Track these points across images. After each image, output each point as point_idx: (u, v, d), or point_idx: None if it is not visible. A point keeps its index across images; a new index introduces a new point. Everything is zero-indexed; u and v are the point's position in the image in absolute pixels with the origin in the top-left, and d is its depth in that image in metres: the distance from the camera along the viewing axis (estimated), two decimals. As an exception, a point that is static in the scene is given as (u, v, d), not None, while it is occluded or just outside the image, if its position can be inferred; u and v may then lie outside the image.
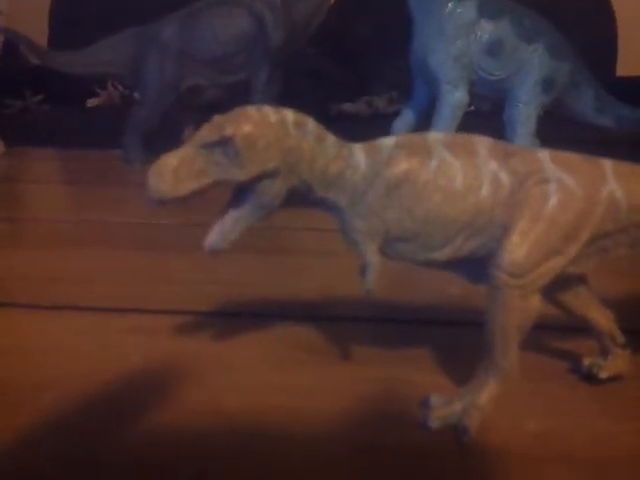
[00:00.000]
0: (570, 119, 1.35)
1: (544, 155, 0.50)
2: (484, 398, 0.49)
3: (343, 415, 0.52)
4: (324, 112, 1.77)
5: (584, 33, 1.60)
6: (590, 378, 0.55)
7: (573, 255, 0.49)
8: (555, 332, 0.62)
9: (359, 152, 0.51)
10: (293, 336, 0.65)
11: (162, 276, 0.81)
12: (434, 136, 0.51)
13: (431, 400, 0.51)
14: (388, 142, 0.51)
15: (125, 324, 0.67)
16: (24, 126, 1.90)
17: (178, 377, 0.57)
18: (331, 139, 0.51)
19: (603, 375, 0.55)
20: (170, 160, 0.47)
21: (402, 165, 0.50)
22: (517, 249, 0.47)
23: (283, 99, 1.33)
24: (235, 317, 0.69)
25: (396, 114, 1.34)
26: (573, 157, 0.51)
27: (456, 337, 0.64)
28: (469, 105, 1.25)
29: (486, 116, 1.35)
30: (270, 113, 0.49)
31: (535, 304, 0.48)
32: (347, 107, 1.97)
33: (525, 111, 1.23)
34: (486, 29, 1.20)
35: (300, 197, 0.51)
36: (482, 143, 0.51)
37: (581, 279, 0.54)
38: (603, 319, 0.55)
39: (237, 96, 1.47)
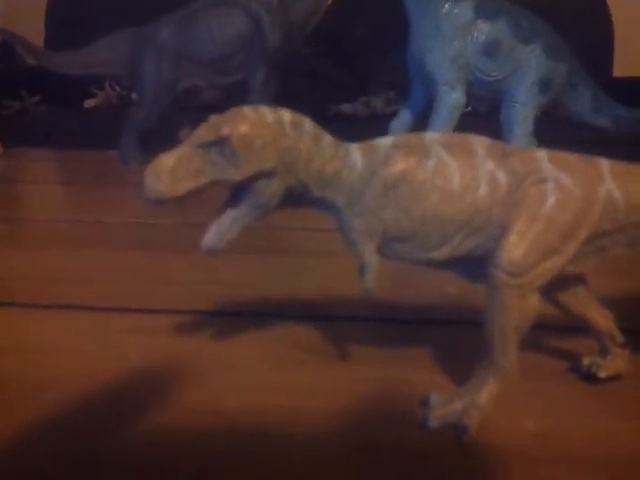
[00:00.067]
0: (567, 119, 1.35)
1: (541, 155, 0.50)
2: (483, 397, 0.49)
3: (343, 414, 0.52)
4: (321, 113, 1.78)
5: (581, 34, 1.60)
6: (589, 377, 0.56)
7: (571, 255, 0.49)
8: (554, 331, 0.62)
9: (356, 152, 0.51)
10: (293, 336, 0.65)
11: (161, 276, 0.81)
12: (431, 136, 0.51)
13: (430, 399, 0.51)
14: (385, 142, 0.51)
15: (125, 324, 0.67)
16: (21, 127, 1.91)
17: (178, 377, 0.57)
18: (328, 139, 0.51)
19: (602, 374, 0.55)
20: (167, 160, 0.47)
21: (399, 165, 0.50)
22: (515, 249, 0.47)
23: (280, 100, 1.33)
24: (235, 317, 0.69)
25: (393, 114, 1.34)
26: (570, 157, 0.51)
27: (455, 336, 0.64)
28: (466, 106, 1.26)
29: (483, 117, 1.36)
30: (267, 113, 0.49)
31: (534, 304, 0.48)
32: (344, 108, 1.97)
33: (522, 111, 1.24)
34: (483, 30, 1.21)
35: (297, 197, 0.51)
36: (479, 143, 0.51)
37: (580, 278, 0.54)
38: (602, 318, 0.55)
39: (234, 97, 1.47)
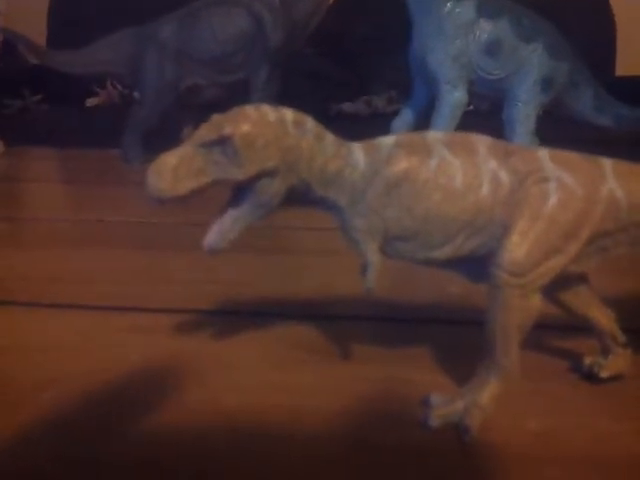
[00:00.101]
0: (569, 118, 1.35)
1: (544, 154, 0.50)
2: (485, 397, 0.49)
3: (343, 414, 0.52)
4: (323, 112, 1.77)
5: (583, 33, 1.60)
6: (591, 377, 0.55)
7: (573, 254, 0.48)
8: (556, 331, 0.62)
9: (358, 151, 0.51)
10: (293, 335, 0.64)
11: (162, 275, 0.81)
12: (433, 135, 0.51)
13: (432, 399, 0.51)
14: (387, 141, 0.51)
15: (125, 323, 0.67)
16: (23, 125, 1.91)
17: (178, 376, 0.57)
18: (330, 138, 0.51)
19: (604, 374, 0.55)
20: (169, 159, 0.47)
21: (402, 164, 0.49)
22: (517, 248, 0.47)
23: (282, 99, 1.33)
24: (235, 316, 0.69)
25: (395, 113, 1.34)
26: (572, 156, 0.51)
27: (456, 336, 0.64)
28: (468, 104, 1.25)
29: (485, 115, 1.35)
30: (269, 112, 0.49)
31: (536, 303, 0.48)
32: (346, 107, 1.97)
33: (524, 110, 1.23)
34: (485, 29, 1.20)
35: (299, 196, 0.51)
36: (482, 142, 0.51)
37: (582, 278, 0.54)
38: (604, 318, 0.55)
39: (236, 96, 1.47)
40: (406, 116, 1.29)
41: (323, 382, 0.56)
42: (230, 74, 1.48)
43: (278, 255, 0.91)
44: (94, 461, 0.46)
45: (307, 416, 0.51)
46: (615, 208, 0.49)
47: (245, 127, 0.47)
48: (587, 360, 0.56)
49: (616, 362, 0.55)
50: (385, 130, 1.22)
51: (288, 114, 0.49)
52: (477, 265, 0.50)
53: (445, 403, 0.50)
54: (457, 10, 1.19)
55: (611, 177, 0.49)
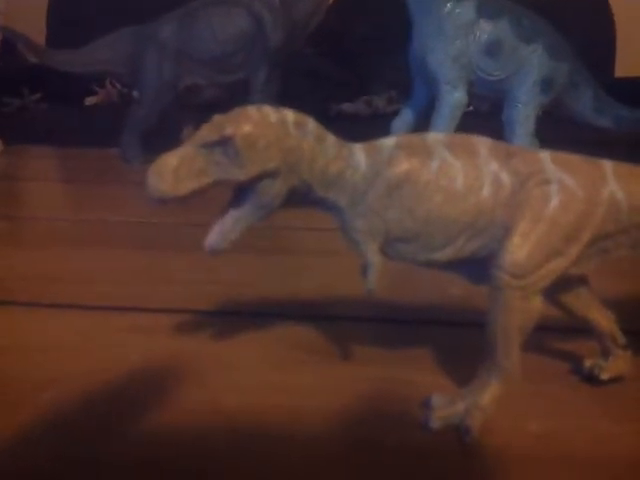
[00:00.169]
0: (569, 119, 1.35)
1: (545, 156, 0.50)
2: (486, 399, 0.49)
3: (343, 415, 0.52)
4: (323, 112, 1.77)
5: (583, 33, 1.60)
6: (591, 379, 0.55)
7: (574, 256, 0.48)
8: (556, 333, 0.62)
9: (359, 152, 0.51)
10: (293, 336, 0.64)
11: (162, 275, 0.81)
12: (434, 136, 0.51)
13: (432, 400, 0.51)
14: (388, 142, 0.51)
15: (125, 323, 0.67)
16: (22, 124, 1.90)
17: (178, 376, 0.57)
18: (331, 139, 0.51)
19: (604, 376, 0.55)
20: (170, 159, 0.47)
21: (403, 165, 0.49)
22: (518, 250, 0.47)
23: (282, 99, 1.33)
24: (235, 316, 0.69)
25: (395, 114, 1.34)
26: (573, 158, 0.51)
27: (457, 338, 0.64)
28: (468, 105, 1.25)
29: (485, 116, 1.35)
30: (270, 113, 0.49)
31: (537, 305, 0.48)
32: (346, 107, 1.97)
33: (524, 111, 1.23)
34: (485, 29, 1.20)
35: (300, 197, 0.51)
36: (483, 143, 0.51)
37: (582, 280, 0.54)
38: (604, 320, 0.55)
39: (236, 96, 1.47)
40: (406, 116, 1.29)
41: (323, 382, 0.56)
42: (230, 74, 1.48)
43: (279, 256, 0.91)
44: (94, 461, 0.46)
45: (307, 416, 0.51)
46: (616, 210, 0.49)
47: (246, 128, 0.47)
48: (587, 362, 0.57)
49: (616, 364, 0.55)
50: (385, 130, 1.22)
51: (289, 115, 0.49)
52: (478, 267, 0.50)
53: (446, 404, 0.50)
54: (457, 10, 1.19)
55: (612, 179, 0.49)
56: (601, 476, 0.45)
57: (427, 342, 0.63)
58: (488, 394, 0.49)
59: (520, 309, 0.48)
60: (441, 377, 0.57)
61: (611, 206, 0.49)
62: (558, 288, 0.52)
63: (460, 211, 0.49)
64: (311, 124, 0.50)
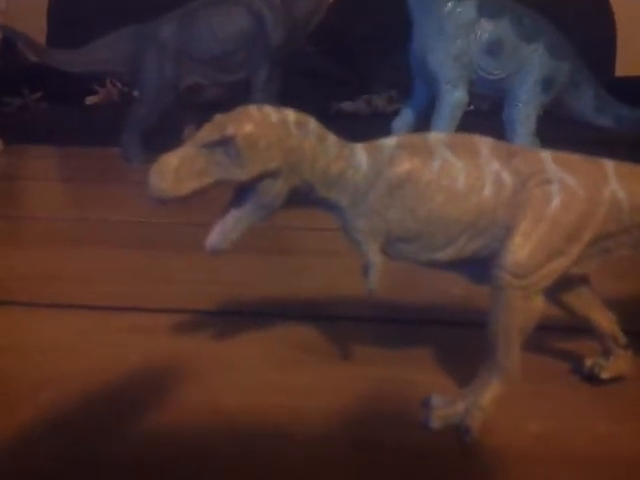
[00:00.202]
0: (569, 119, 1.35)
1: (546, 155, 0.50)
2: (486, 399, 0.49)
3: (344, 414, 0.52)
4: (323, 111, 1.77)
5: (584, 33, 1.60)
6: (592, 379, 0.55)
7: (576, 256, 0.48)
8: (557, 333, 0.62)
9: (360, 152, 0.51)
10: (294, 335, 0.64)
11: (162, 275, 0.81)
12: (435, 136, 0.51)
13: (433, 400, 0.51)
14: (389, 142, 0.51)
15: (125, 323, 0.67)
16: (22, 124, 1.90)
17: (178, 376, 0.57)
18: (332, 139, 0.50)
19: (605, 376, 0.55)
20: (171, 159, 0.47)
21: (405, 165, 0.49)
22: (520, 250, 0.47)
23: (282, 98, 1.33)
24: (235, 316, 0.69)
25: (395, 113, 1.34)
26: (575, 157, 0.51)
27: (458, 337, 0.64)
28: (469, 105, 1.25)
29: (486, 115, 1.35)
30: (271, 113, 0.48)
31: (538, 305, 0.48)
32: (346, 106, 1.97)
33: (525, 111, 1.23)
34: (486, 28, 1.20)
35: (301, 197, 0.51)
36: (484, 143, 0.50)
37: (583, 280, 0.54)
38: (605, 320, 0.55)
39: (237, 95, 1.47)
40: (406, 116, 1.29)
41: (324, 382, 0.56)
42: (230, 73, 1.48)
43: (280, 256, 0.91)
44: (94, 461, 0.46)
45: (307, 416, 0.51)
46: (617, 210, 0.49)
47: (248, 127, 0.47)
48: (588, 362, 0.56)
49: (617, 364, 0.55)
50: (385, 130, 1.22)
51: (291, 115, 0.49)
52: (479, 266, 0.50)
53: (446, 404, 0.50)
54: (458, 10, 1.19)
55: (613, 179, 0.49)
56: (601, 476, 0.45)
57: (428, 342, 0.62)
58: (488, 394, 0.49)
59: (521, 309, 0.48)
60: (442, 377, 0.57)
61: (612, 206, 0.49)
62: (559, 288, 0.52)
63: (461, 211, 0.49)
64: (312, 124, 0.50)
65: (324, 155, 0.49)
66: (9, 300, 0.72)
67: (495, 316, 0.48)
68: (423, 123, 1.24)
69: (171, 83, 1.44)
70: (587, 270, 0.51)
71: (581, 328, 0.56)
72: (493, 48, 1.20)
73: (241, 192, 0.49)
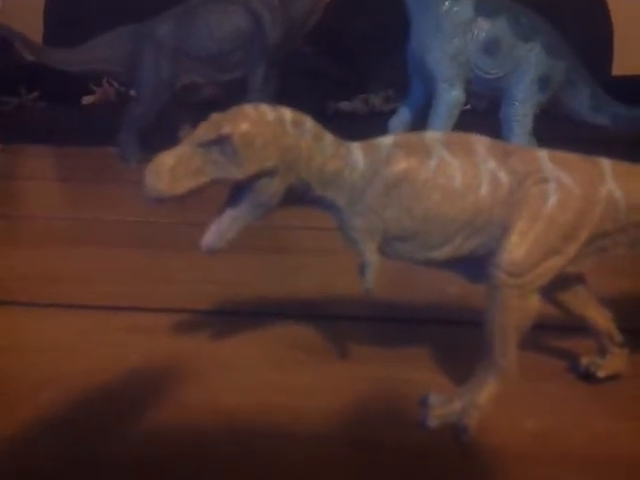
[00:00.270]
0: (566, 117, 1.35)
1: (543, 154, 0.50)
2: (483, 397, 0.49)
3: (342, 414, 0.52)
4: (321, 110, 1.77)
5: (580, 32, 1.60)
6: (588, 377, 0.56)
7: (572, 255, 0.49)
8: (553, 331, 0.62)
9: (357, 151, 0.51)
10: (292, 335, 0.64)
11: (160, 275, 0.81)
12: (432, 135, 0.51)
13: (430, 399, 0.51)
14: (386, 141, 0.51)
15: (124, 323, 0.67)
16: (19, 123, 1.90)
17: (177, 376, 0.57)
18: (329, 138, 0.51)
19: (601, 374, 0.55)
20: (167, 159, 0.47)
21: (401, 164, 0.50)
22: (516, 249, 0.47)
23: (279, 97, 1.33)
24: (234, 316, 0.69)
25: (392, 112, 1.34)
26: (571, 156, 0.51)
27: (455, 336, 0.64)
28: (465, 103, 1.25)
29: (482, 114, 1.35)
30: (268, 111, 0.48)
31: (534, 304, 0.48)
32: (344, 105, 1.97)
33: (521, 109, 1.23)
34: (483, 27, 1.20)
35: (298, 196, 0.51)
36: (480, 142, 0.51)
37: (580, 278, 0.54)
38: (601, 318, 0.55)
39: (234, 94, 1.47)
40: (403, 115, 1.29)
41: (322, 382, 0.56)
42: (227, 72, 1.47)
43: (277, 255, 0.91)
44: (94, 461, 0.46)
45: (306, 416, 0.51)
46: (614, 209, 0.49)
47: (244, 126, 0.47)
48: (584, 360, 0.57)
49: (613, 362, 0.56)
50: (382, 129, 1.22)
51: (287, 114, 0.49)
52: (476, 265, 0.50)
53: (443, 403, 0.50)
54: (455, 9, 1.19)
55: (610, 177, 0.49)
56: (599, 474, 0.46)
57: (425, 341, 0.63)
58: (485, 392, 0.49)
59: (517, 308, 0.48)
60: (439, 376, 0.57)
61: (609, 204, 0.49)
62: (555, 286, 0.52)
63: (458, 210, 0.49)
64: (309, 123, 0.50)
65: (320, 154, 0.49)
66: (9, 300, 0.72)
67: (491, 315, 0.48)
68: (420, 122, 1.24)
69: (168, 82, 1.44)
70: (583, 269, 0.51)
71: (577, 327, 0.56)
72: (490, 47, 1.20)
73: (237, 191, 0.49)
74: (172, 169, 0.46)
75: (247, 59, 1.47)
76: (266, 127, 0.48)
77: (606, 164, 0.50)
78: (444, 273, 0.53)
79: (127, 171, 1.39)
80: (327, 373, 0.58)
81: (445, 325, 0.67)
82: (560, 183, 0.48)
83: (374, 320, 0.69)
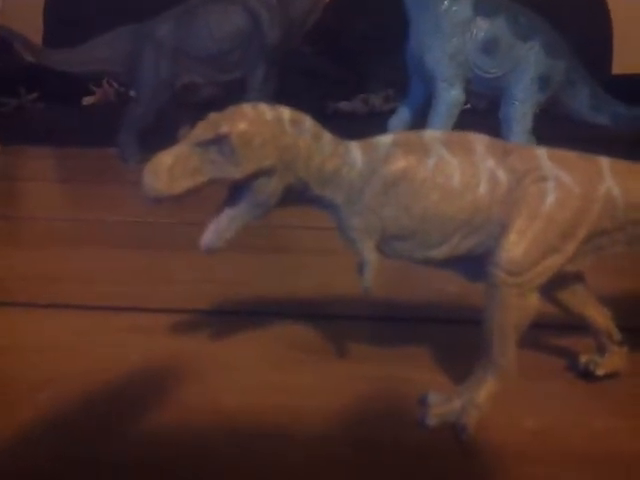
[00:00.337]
0: (566, 117, 1.35)
1: (541, 153, 0.50)
2: (482, 396, 0.49)
3: (342, 413, 0.52)
4: (320, 110, 1.77)
5: (580, 31, 1.60)
6: (587, 375, 0.56)
7: (571, 253, 0.49)
8: (552, 330, 0.62)
9: (355, 150, 0.51)
10: (291, 334, 0.65)
11: (160, 275, 0.81)
12: (431, 134, 0.51)
13: (429, 398, 0.51)
14: (385, 140, 0.51)
15: (123, 323, 0.67)
16: (19, 124, 1.90)
17: (177, 376, 0.57)
18: (327, 137, 0.51)
19: (600, 372, 0.55)
20: (165, 158, 0.47)
21: (400, 163, 0.50)
22: (515, 247, 0.47)
23: (279, 97, 1.33)
24: (233, 316, 0.69)
25: (392, 112, 1.34)
26: (570, 155, 0.51)
27: (454, 335, 0.64)
28: (465, 103, 1.25)
29: (482, 114, 1.35)
30: (266, 111, 0.49)
31: (533, 302, 0.48)
32: (343, 105, 1.97)
33: (521, 109, 1.23)
34: (482, 27, 1.20)
35: (296, 195, 0.51)
36: (479, 141, 0.51)
37: (578, 277, 0.54)
38: (600, 316, 0.55)
39: (233, 94, 1.47)
40: (403, 114, 1.29)
41: (322, 381, 0.56)
42: (227, 72, 1.47)
43: (276, 254, 0.91)
44: (94, 461, 0.46)
45: (306, 416, 0.51)
46: (612, 207, 0.49)
47: (242, 126, 0.47)
48: (583, 358, 0.57)
49: (612, 360, 0.56)
50: (382, 128, 1.22)
51: (285, 113, 0.49)
52: (475, 264, 0.50)
53: (442, 402, 0.50)
54: (454, 8, 1.19)
55: (608, 176, 0.50)
56: (598, 472, 0.46)
57: (424, 340, 0.63)
58: (484, 391, 0.49)
59: (516, 306, 0.48)
60: (438, 374, 0.57)
61: (607, 203, 0.49)
62: (554, 285, 0.52)
63: (457, 208, 0.49)
64: (307, 122, 0.50)
65: (319, 153, 0.49)
66: (8, 300, 0.72)
67: (490, 314, 0.48)
68: (420, 121, 1.24)
69: (168, 82, 1.44)
70: (582, 267, 0.51)
71: (576, 325, 0.56)
72: (489, 46, 1.20)
73: (235, 191, 0.49)
74: (170, 169, 0.46)
75: (246, 59, 1.47)
76: (264, 126, 0.48)
77: (605, 162, 0.50)
78: (443, 272, 0.53)
79: (127, 172, 1.39)
80: (327, 373, 0.58)
81: (444, 324, 0.67)
82: (559, 181, 0.48)
83: (373, 319, 0.69)
